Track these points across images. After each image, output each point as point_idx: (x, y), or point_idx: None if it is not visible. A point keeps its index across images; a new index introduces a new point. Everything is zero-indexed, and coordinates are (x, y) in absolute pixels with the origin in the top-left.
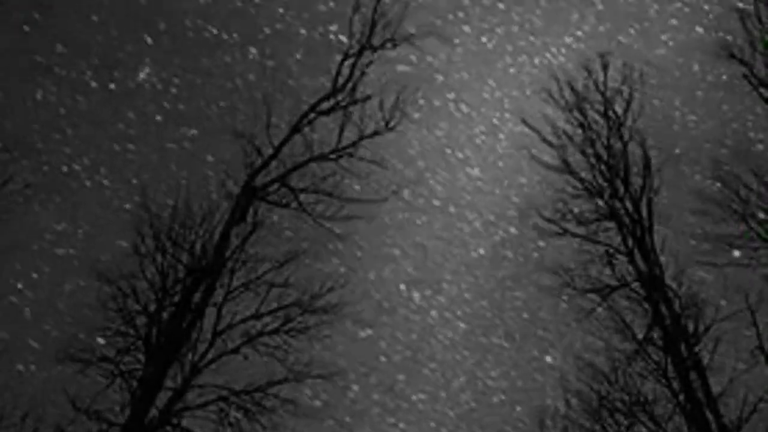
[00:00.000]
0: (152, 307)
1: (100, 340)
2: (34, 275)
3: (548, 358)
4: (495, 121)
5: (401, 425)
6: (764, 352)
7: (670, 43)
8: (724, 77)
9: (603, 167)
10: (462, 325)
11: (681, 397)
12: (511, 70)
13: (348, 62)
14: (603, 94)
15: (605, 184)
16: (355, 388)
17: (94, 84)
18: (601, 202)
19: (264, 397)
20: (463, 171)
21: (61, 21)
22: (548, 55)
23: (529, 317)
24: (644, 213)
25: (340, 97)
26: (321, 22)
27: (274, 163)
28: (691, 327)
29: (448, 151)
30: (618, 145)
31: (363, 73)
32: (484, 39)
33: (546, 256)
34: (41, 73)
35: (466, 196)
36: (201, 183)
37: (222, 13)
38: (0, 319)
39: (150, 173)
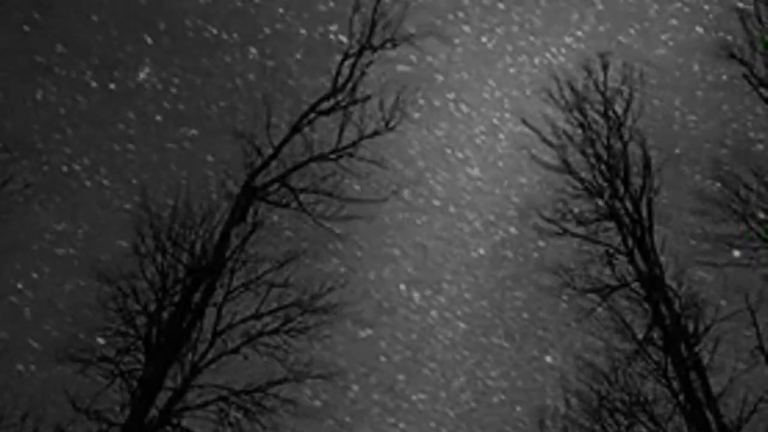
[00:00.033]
0: (152, 307)
1: (100, 340)
2: (34, 275)
3: (548, 358)
4: (495, 121)
5: (401, 425)
6: (764, 352)
7: (670, 43)
8: (724, 77)
9: (603, 167)
10: (462, 325)
11: (681, 397)
12: (511, 70)
13: (348, 62)
14: (603, 94)
15: (605, 184)
16: (355, 388)
17: (94, 84)
18: (601, 202)
19: (264, 397)
20: (463, 171)
21: (61, 21)
22: (548, 55)
23: (529, 317)
24: (644, 213)
25: (340, 97)
26: (321, 22)
27: (274, 163)
28: (691, 327)
29: (448, 151)
30: (618, 145)
31: (363, 73)
32: (484, 39)
33: (546, 256)
34: (41, 73)
35: (466, 196)
36: (201, 183)
37: (222, 13)
38: (0, 319)
39: (150, 173)
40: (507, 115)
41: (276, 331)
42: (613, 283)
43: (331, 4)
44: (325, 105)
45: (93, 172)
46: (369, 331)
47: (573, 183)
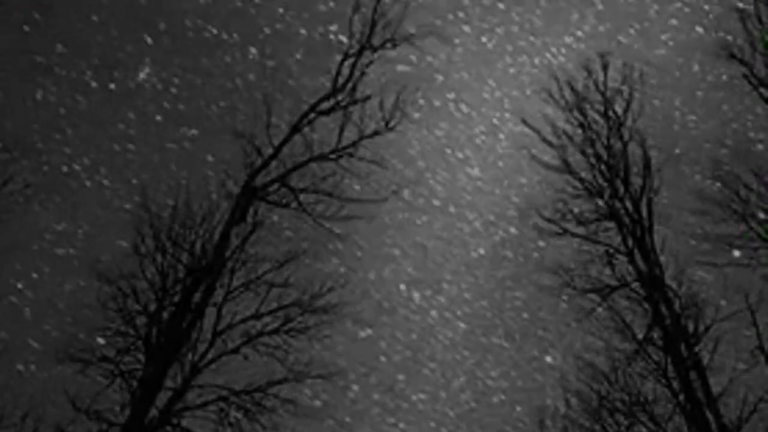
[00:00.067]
0: (152, 307)
1: (100, 340)
2: (34, 275)
3: (548, 358)
4: (495, 121)
5: (401, 425)
6: (764, 352)
7: (670, 43)
8: (724, 77)
9: (603, 167)
10: (462, 325)
11: (681, 397)
12: (511, 70)
13: (348, 62)
14: (603, 94)
15: (605, 184)
16: (355, 388)
17: (94, 84)
18: (601, 202)
19: (264, 397)
20: (463, 171)
21: (61, 21)
22: (548, 55)
23: (529, 317)
24: (644, 213)
25: (340, 97)
26: (321, 22)
27: (274, 163)
28: (691, 327)
29: (448, 151)
30: (618, 145)
31: (363, 73)
32: (484, 39)
33: (546, 256)
34: (41, 73)
35: (466, 196)
36: (201, 183)
37: (222, 13)
38: (0, 319)
39: (150, 173)
40: (507, 115)
41: (276, 331)
42: (613, 283)
43: (331, 4)
44: (325, 105)
45: (93, 172)
46: (369, 331)
47: (573, 183)
